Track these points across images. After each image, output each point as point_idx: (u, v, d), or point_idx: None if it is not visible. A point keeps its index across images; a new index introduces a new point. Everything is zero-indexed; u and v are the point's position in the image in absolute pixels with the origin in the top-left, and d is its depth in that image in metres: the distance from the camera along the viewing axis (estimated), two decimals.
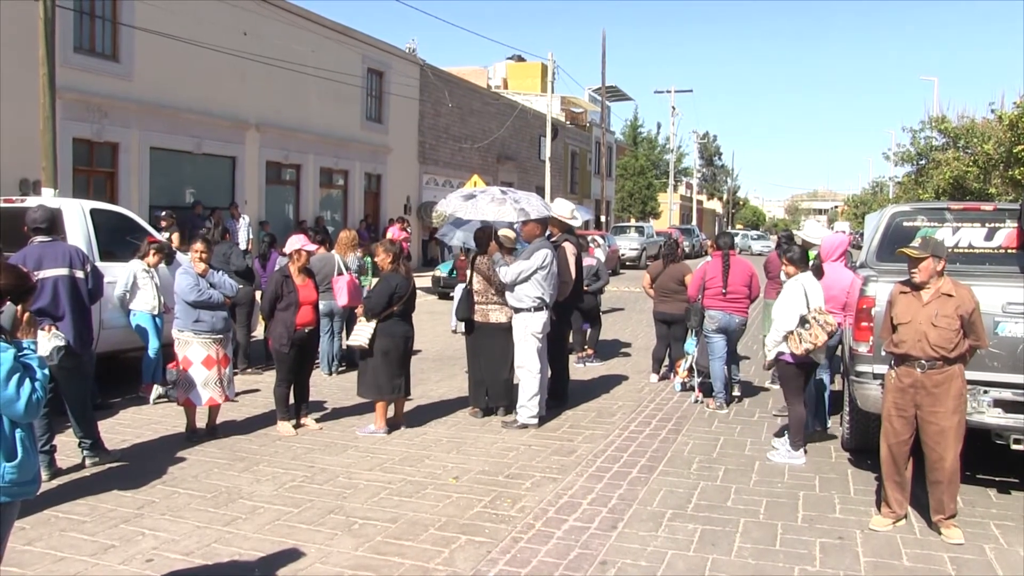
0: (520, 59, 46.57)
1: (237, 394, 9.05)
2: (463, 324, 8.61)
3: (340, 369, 10.68)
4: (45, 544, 4.98)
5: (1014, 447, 5.99)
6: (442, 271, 20.22)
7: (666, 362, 10.51)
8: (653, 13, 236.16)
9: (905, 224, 7.81)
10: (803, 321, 6.79)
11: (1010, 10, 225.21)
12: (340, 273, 10.10)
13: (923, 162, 30.20)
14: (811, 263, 7.34)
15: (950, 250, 7.30)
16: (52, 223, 6.68)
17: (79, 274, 6.49)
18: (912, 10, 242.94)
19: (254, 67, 20.15)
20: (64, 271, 6.38)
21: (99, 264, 8.67)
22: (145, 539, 5.11)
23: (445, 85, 30.74)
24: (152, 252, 8.91)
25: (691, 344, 9.39)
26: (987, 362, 5.99)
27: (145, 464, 6.62)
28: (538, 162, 38.69)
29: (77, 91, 15.95)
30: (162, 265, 9.22)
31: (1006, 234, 7.66)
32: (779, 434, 7.59)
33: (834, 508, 5.91)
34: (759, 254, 40.88)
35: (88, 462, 6.50)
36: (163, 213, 14.56)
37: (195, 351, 7.37)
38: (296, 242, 7.92)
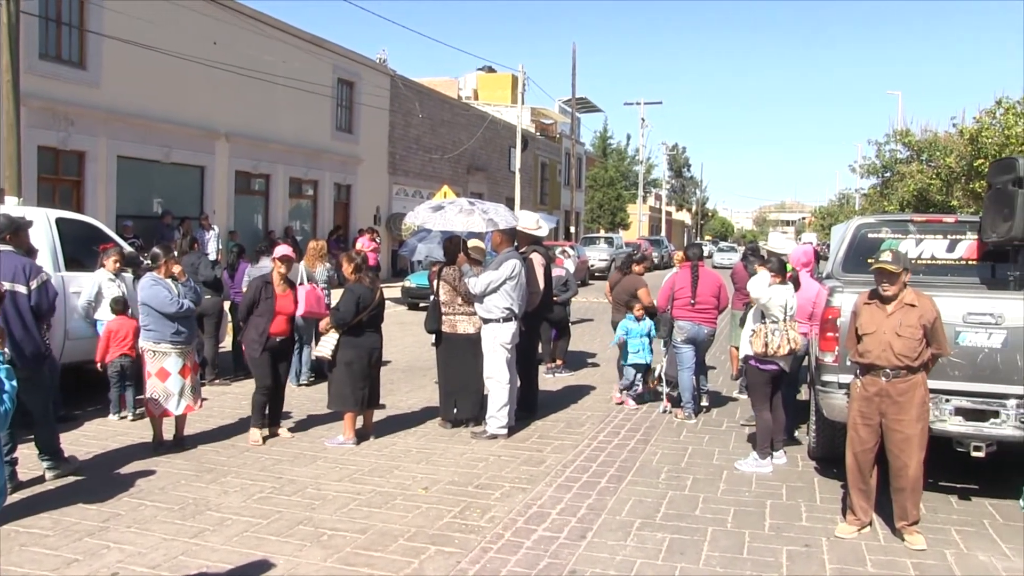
0: (491, 70, 46.71)
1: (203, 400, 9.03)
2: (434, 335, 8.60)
3: (310, 379, 10.60)
4: (5, 560, 4.90)
5: (974, 454, 6.11)
6: (412, 282, 20.16)
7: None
8: (623, 26, 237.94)
9: (870, 236, 7.94)
10: (774, 327, 6.92)
11: (971, 27, 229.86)
12: (300, 283, 10.06)
13: (888, 174, 30.66)
14: (789, 274, 7.46)
15: (913, 261, 7.46)
16: (7, 231, 6.53)
17: (20, 289, 6.30)
18: (877, 26, 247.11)
19: (224, 76, 20.01)
20: (6, 285, 6.20)
21: (65, 274, 8.63)
22: (110, 552, 5.05)
23: (416, 96, 30.75)
24: (108, 258, 8.77)
25: (643, 350, 9.43)
26: (948, 371, 6.10)
27: (110, 476, 6.55)
28: (508, 173, 38.78)
29: (43, 98, 15.76)
30: (129, 275, 9.13)
31: (967, 246, 7.83)
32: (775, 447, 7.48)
33: (801, 516, 5.97)
34: (721, 267, 41.13)
35: (49, 475, 6.41)
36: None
37: (173, 362, 7.32)
38: (279, 251, 8.00)
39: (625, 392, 9.69)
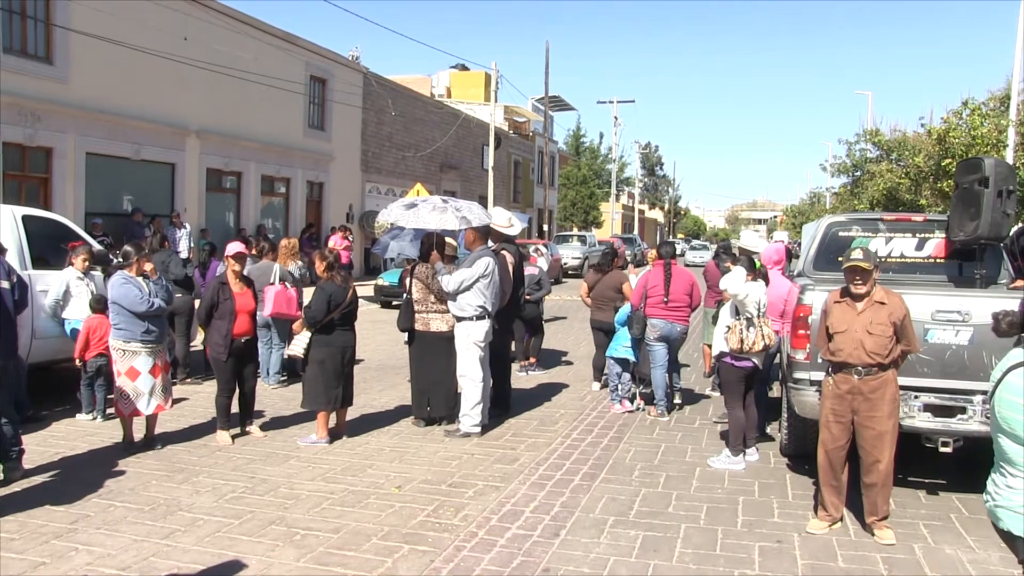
0: (464, 68, 46.65)
1: (175, 401, 8.94)
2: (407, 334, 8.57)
3: (282, 379, 10.53)
4: None
5: (942, 450, 6.18)
6: (385, 280, 20.09)
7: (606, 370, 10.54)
8: (597, 25, 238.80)
9: (841, 234, 8.02)
10: (749, 323, 6.97)
11: (939, 30, 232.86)
12: (271, 283, 9.99)
13: (858, 173, 31.05)
14: (759, 270, 7.52)
15: (883, 259, 7.55)
16: None
17: (4, 285, 6.27)
18: (847, 27, 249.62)
19: (195, 73, 19.83)
20: None
21: (32, 272, 8.52)
22: (79, 555, 4.98)
23: (388, 93, 30.62)
24: (77, 256, 8.67)
25: (627, 349, 9.31)
26: (917, 368, 6.18)
27: (79, 477, 6.46)
28: (481, 171, 38.75)
29: (8, 93, 15.47)
30: (98, 274, 9.02)
31: (935, 244, 7.93)
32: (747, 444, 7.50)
33: (773, 513, 6.02)
34: (693, 265, 41.33)
35: (17, 474, 6.31)
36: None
37: (143, 361, 7.25)
38: (231, 248, 7.92)
39: (620, 397, 9.36)
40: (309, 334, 7.61)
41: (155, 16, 18.87)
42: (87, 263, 8.75)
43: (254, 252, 10.79)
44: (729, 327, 7.09)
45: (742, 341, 6.97)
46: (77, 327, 8.58)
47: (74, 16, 16.87)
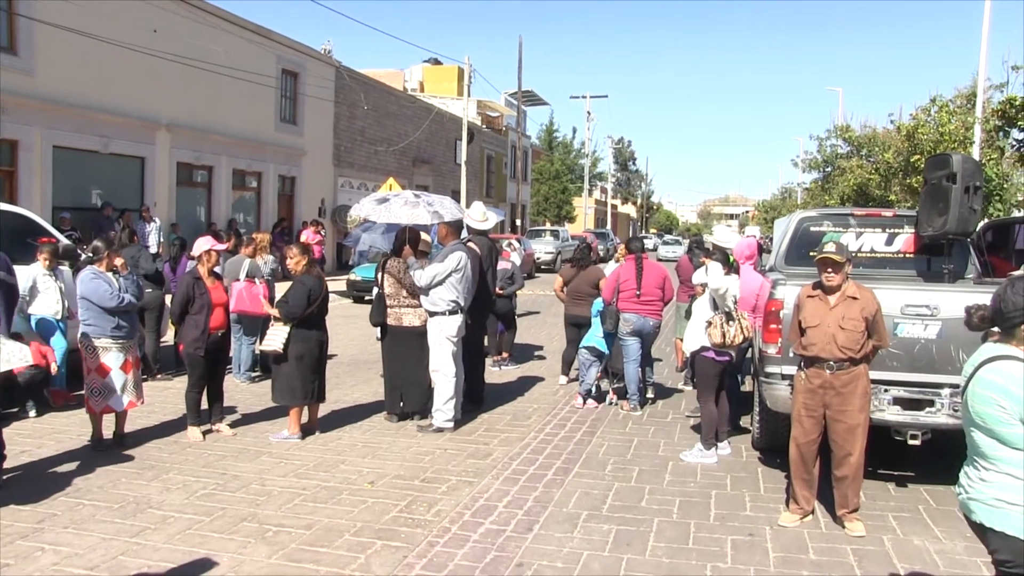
0: (437, 62, 46.51)
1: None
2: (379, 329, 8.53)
3: (254, 375, 10.44)
4: None
5: (911, 442, 6.26)
6: (357, 275, 19.98)
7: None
8: (570, 20, 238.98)
9: (812, 229, 8.08)
10: (729, 317, 6.99)
11: (908, 30, 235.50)
12: (237, 279, 9.89)
13: (829, 169, 31.33)
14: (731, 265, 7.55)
15: (853, 254, 7.61)
16: None
17: (11, 280, 6.27)
18: (818, 25, 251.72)
19: (165, 66, 19.59)
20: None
21: None
22: (45, 555, 4.91)
23: (361, 87, 30.45)
24: (40, 254, 8.54)
25: (600, 340, 9.28)
26: (887, 362, 6.24)
27: (46, 475, 6.37)
28: (454, 166, 38.65)
29: None
30: (66, 269, 8.89)
31: (905, 239, 8.02)
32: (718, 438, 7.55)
33: (745, 506, 6.06)
34: (666, 259, 41.48)
35: None
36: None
37: (113, 357, 7.15)
38: (204, 243, 7.78)
39: (587, 393, 9.34)
40: (287, 329, 7.55)
41: (124, 8, 18.61)
42: (49, 262, 8.61)
43: (229, 248, 10.68)
44: (710, 322, 7.08)
45: (724, 335, 6.98)
46: (46, 318, 8.47)
47: (39, 7, 16.59)
